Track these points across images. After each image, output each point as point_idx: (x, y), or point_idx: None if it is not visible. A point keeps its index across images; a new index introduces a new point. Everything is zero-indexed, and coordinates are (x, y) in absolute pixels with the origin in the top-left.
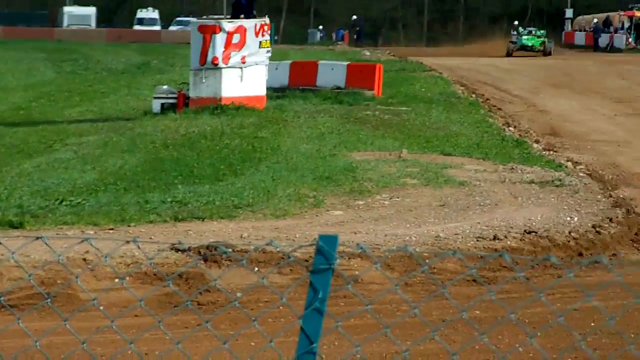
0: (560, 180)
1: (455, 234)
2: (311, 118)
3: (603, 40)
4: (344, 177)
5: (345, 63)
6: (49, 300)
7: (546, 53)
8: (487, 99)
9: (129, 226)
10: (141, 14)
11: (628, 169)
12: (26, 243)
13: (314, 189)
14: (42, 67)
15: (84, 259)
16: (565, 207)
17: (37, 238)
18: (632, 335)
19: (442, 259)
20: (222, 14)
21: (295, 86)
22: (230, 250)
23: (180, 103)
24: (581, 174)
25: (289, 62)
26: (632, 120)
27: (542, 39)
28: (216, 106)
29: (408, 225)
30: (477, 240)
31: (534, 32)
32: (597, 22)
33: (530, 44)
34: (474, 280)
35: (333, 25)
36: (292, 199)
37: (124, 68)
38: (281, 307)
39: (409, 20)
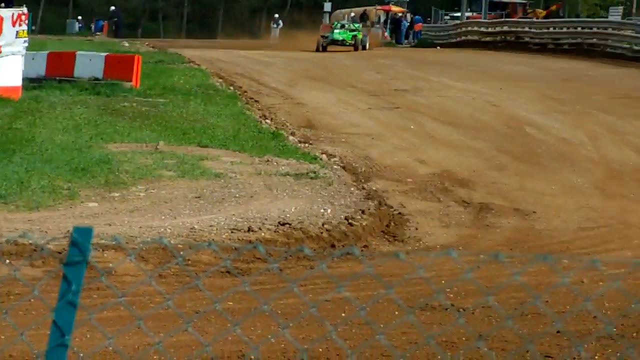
0: (314, 172)
1: (210, 226)
2: (68, 109)
3: None
4: (100, 168)
5: (104, 54)
6: None
7: (357, 47)
8: (245, 92)
9: None
10: None
11: (380, 161)
12: None
13: (68, 180)
14: None
15: None
16: (319, 199)
17: None
18: (382, 326)
19: (196, 251)
20: None
21: (53, 77)
22: None
23: None
24: (335, 167)
25: (47, 52)
26: (386, 113)
27: (354, 32)
28: None
29: (163, 217)
30: (232, 232)
31: (346, 26)
32: (354, 16)
33: (341, 38)
34: (228, 272)
35: (92, 15)
36: (46, 191)
37: None
38: (33, 300)
39: (169, 12)
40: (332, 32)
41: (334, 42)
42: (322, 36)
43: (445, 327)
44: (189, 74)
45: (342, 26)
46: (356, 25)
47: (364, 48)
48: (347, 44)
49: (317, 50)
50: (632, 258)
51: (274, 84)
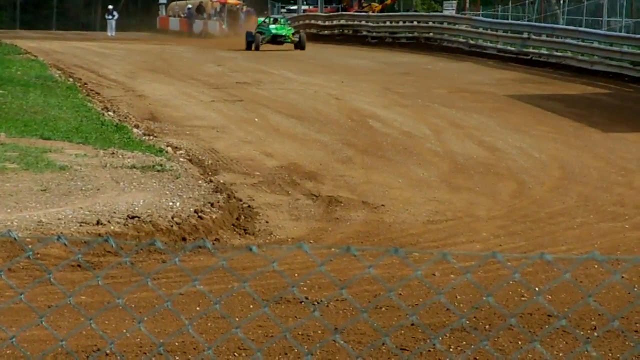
0: (161, 165)
1: (58, 219)
2: None
3: (197, 26)
4: None
5: None
6: None
7: (302, 46)
8: (85, 83)
9: None
10: None
11: (226, 154)
12: None
13: None
14: None
15: None
16: (168, 192)
17: None
18: (237, 319)
19: (45, 245)
20: None
21: None
22: None
23: None
24: (182, 159)
25: None
26: (229, 106)
27: (293, 28)
28: None
29: (9, 210)
30: (81, 225)
31: (281, 22)
32: (190, 7)
33: (282, 34)
34: (79, 266)
35: None
36: None
37: None
38: None
39: (1, 2)
40: (268, 27)
41: (275, 39)
42: (259, 32)
43: (300, 320)
44: (27, 65)
45: (276, 20)
46: (287, 21)
47: (302, 47)
48: (289, 40)
49: (249, 48)
50: (480, 251)
51: (114, 76)
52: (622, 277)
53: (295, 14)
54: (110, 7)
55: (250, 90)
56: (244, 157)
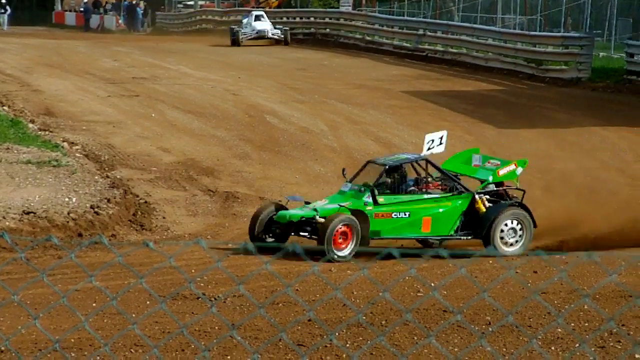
0: (57, 160)
1: None
2: None
3: (94, 20)
4: None
5: None
6: None
7: (287, 42)
8: None
9: None
10: None
11: (123, 149)
12: None
13: None
14: None
15: None
16: (64, 188)
17: None
18: (134, 315)
19: None
20: None
21: None
22: None
23: None
24: (78, 155)
25: None
26: (125, 101)
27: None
28: None
29: None
30: None
31: (262, 19)
32: (86, 2)
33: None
34: None
35: None
36: None
37: None
38: None
39: None
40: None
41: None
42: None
43: (197, 316)
44: None
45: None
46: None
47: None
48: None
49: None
50: (376, 247)
51: (10, 71)
52: (517, 272)
53: (192, 10)
54: (3, 1)
55: (147, 86)
56: (141, 153)
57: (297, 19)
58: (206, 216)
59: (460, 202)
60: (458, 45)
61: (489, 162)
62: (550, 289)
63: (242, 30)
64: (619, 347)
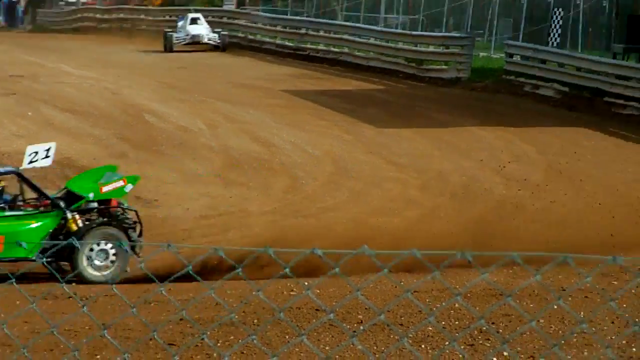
0: None
1: None
2: None
3: None
4: None
5: None
6: None
7: (224, 47)
8: None
9: None
10: None
11: None
12: None
13: None
14: None
15: None
16: None
17: None
18: (3, 315)
19: None
20: None
21: None
22: None
23: None
24: None
25: None
26: (1, 100)
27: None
28: None
29: None
30: None
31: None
32: None
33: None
34: None
35: None
36: None
37: None
38: None
39: None
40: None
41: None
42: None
43: (68, 315)
44: None
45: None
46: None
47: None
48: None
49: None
50: (252, 246)
51: None
52: (390, 271)
53: (74, 7)
54: None
55: (24, 84)
56: (16, 152)
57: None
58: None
59: (47, 220)
60: (340, 44)
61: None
62: (422, 287)
63: (176, 35)
64: (488, 344)
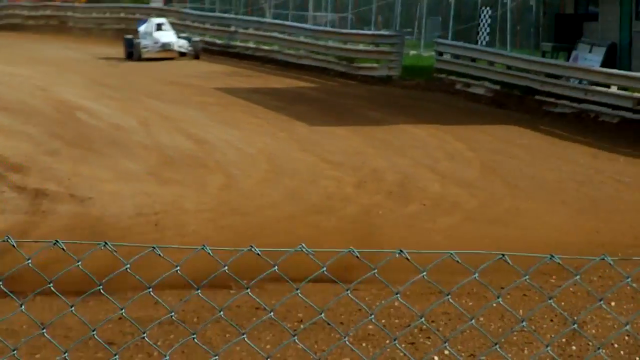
0: None
1: None
2: None
3: None
4: None
5: None
6: None
7: (198, 55)
8: None
9: None
10: None
11: None
12: None
13: None
14: None
15: None
16: None
17: None
18: None
19: None
20: None
21: None
22: None
23: None
24: None
25: None
26: None
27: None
28: None
29: None
30: None
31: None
32: None
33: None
34: None
35: None
36: None
37: None
38: None
39: None
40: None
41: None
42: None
43: (6, 315)
44: None
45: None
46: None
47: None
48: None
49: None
50: (188, 244)
51: None
52: (326, 271)
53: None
54: None
55: None
56: None
57: (107, 15)
58: (14, 214)
59: None
60: (270, 42)
61: None
62: (362, 286)
63: (143, 43)
64: (429, 343)
